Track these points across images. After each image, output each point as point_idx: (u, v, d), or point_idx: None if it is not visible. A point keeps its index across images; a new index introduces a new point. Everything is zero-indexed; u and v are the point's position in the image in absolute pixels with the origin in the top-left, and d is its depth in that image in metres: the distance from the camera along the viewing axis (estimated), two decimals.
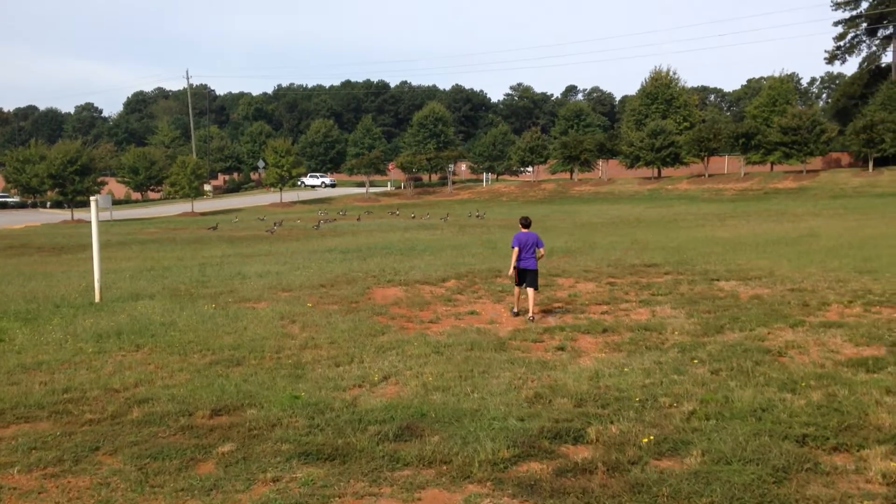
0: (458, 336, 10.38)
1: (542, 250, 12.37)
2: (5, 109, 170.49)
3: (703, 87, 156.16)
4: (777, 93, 78.83)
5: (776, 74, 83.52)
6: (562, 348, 9.37)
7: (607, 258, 20.45)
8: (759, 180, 60.68)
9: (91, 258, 15.06)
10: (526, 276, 12.14)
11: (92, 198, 14.88)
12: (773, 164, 67.56)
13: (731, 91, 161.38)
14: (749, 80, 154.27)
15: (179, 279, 18.34)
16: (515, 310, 12.38)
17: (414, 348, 9.59)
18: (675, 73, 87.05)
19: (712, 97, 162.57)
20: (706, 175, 66.81)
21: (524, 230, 12.42)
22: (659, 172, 70.98)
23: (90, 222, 15.42)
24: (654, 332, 10.18)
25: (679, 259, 19.54)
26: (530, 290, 12.09)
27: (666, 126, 68.95)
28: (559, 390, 7.24)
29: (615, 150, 72.70)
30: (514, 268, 12.17)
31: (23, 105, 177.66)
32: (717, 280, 15.49)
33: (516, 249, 12.16)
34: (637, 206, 53.09)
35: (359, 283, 16.58)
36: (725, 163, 77.18)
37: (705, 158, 67.26)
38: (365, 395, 7.46)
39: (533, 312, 11.92)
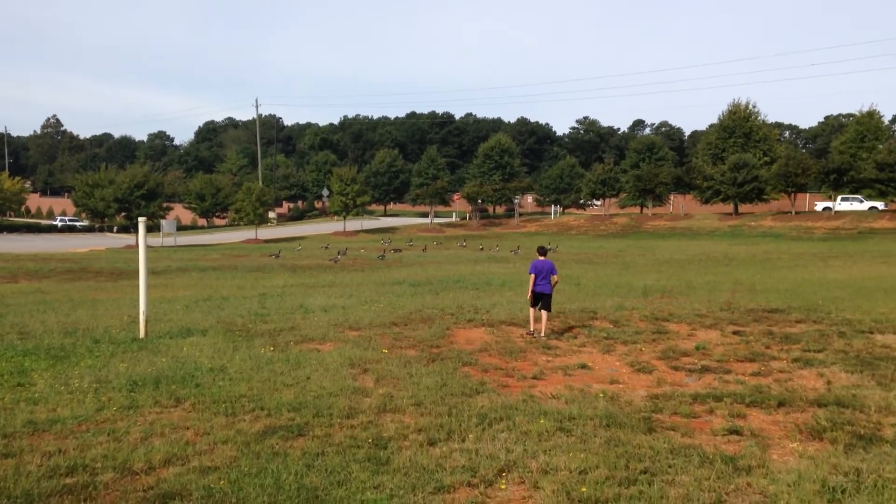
0: (581, 403, 8.00)
1: (555, 277, 13.30)
2: (81, 137, 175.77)
3: (777, 123, 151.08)
4: (865, 128, 74.46)
5: (859, 111, 79.00)
6: (735, 431, 6.89)
7: (716, 300, 17.86)
8: (852, 219, 56.59)
9: (145, 286, 13.17)
10: (540, 299, 13.05)
11: (140, 219, 13.04)
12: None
13: (806, 128, 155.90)
14: (827, 118, 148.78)
15: (237, 311, 16.48)
16: (532, 329, 13.07)
17: (528, 421, 7.26)
18: (754, 106, 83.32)
19: (787, 133, 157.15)
20: (793, 212, 62.91)
21: (541, 258, 13.33)
22: (736, 208, 67.41)
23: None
24: (853, 409, 7.62)
25: (803, 304, 16.81)
26: (543, 312, 13.03)
27: (749, 160, 65.39)
28: None
29: (692, 184, 69.36)
30: (533, 292, 13.03)
31: (98, 133, 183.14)
32: (870, 332, 12.77)
33: (533, 276, 13.11)
34: (719, 243, 49.83)
35: (436, 321, 14.45)
36: (807, 199, 73.06)
37: (792, 195, 63.43)
38: None
39: (545, 332, 12.86)
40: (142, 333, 12.81)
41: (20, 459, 6.27)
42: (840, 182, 60.24)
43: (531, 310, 13.26)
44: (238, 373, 9.70)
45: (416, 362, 10.51)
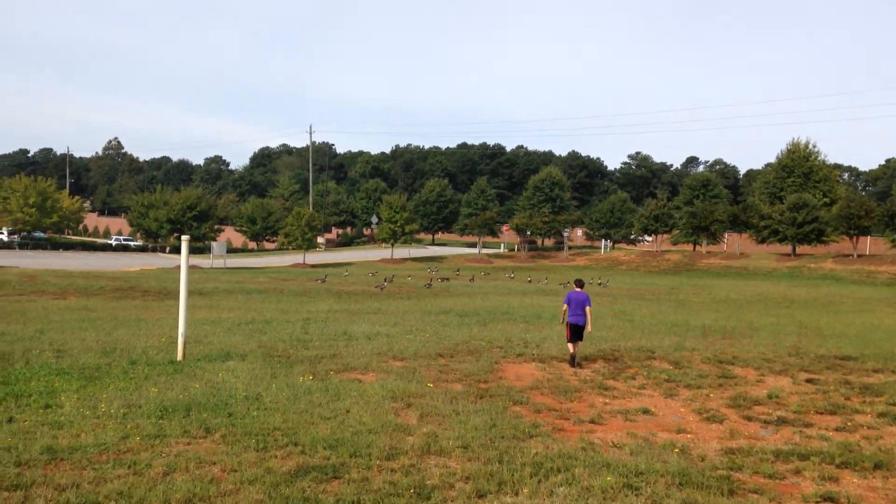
0: (649, 455, 7.18)
1: (589, 308, 13.31)
2: (141, 159, 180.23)
3: (836, 164, 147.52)
4: None
5: None
6: (830, 498, 6.01)
7: (781, 344, 16.80)
8: None
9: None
10: (576, 331, 13.24)
11: (184, 237, 12.68)
12: None
13: (867, 170, 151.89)
14: (888, 160, 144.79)
15: (279, 336, 16.01)
16: (572, 353, 13.17)
17: (589, 474, 6.47)
18: (814, 146, 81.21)
19: (846, 175, 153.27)
20: (854, 255, 60.59)
21: (577, 290, 13.60)
22: (794, 249, 65.21)
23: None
24: None
25: (877, 352, 15.64)
26: (577, 344, 13.34)
27: (809, 200, 63.38)
28: None
29: (748, 223, 67.47)
30: (567, 323, 13.25)
31: (157, 156, 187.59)
32: None
33: (566, 306, 13.36)
34: (778, 284, 48.04)
35: (484, 355, 13.75)
36: (868, 243, 70.50)
37: (854, 238, 61.15)
38: None
39: (576, 362, 13.13)
40: (179, 356, 12.37)
41: (28, 493, 5.74)
42: None
43: (569, 345, 13.32)
44: (274, 402, 9.12)
45: (463, 398, 9.81)
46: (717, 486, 6.15)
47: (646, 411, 9.49)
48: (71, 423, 7.99)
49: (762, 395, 10.72)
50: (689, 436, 8.29)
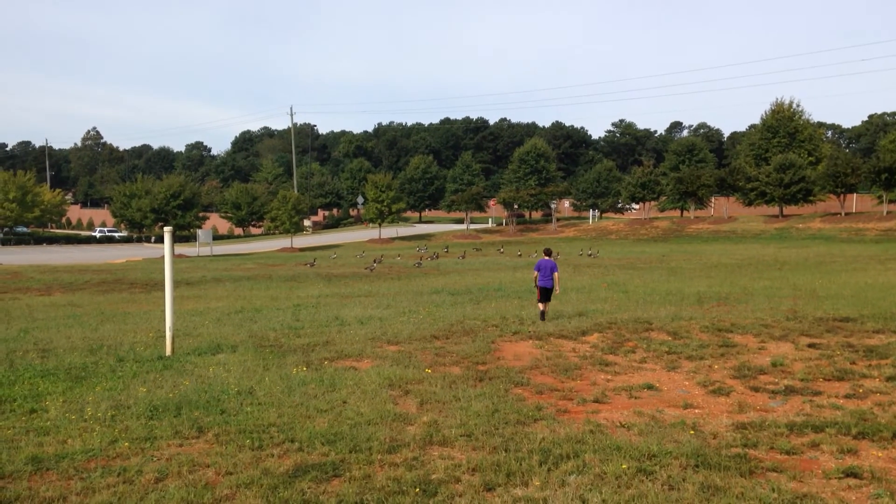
0: (659, 435, 6.93)
1: (556, 274, 15.37)
2: (121, 148, 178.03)
3: (819, 122, 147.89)
4: None
5: None
6: (853, 473, 5.76)
7: (778, 308, 16.65)
8: None
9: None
10: (544, 293, 15.48)
11: (166, 228, 12.29)
12: None
13: (849, 127, 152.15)
14: (871, 116, 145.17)
15: (269, 324, 15.71)
16: (542, 310, 15.45)
17: (600, 460, 6.21)
18: (797, 106, 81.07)
19: (829, 133, 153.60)
20: (842, 213, 60.70)
21: (546, 258, 15.78)
22: (781, 210, 65.27)
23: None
24: None
25: (875, 312, 15.50)
26: (546, 303, 15.56)
27: (795, 160, 63.33)
28: None
29: (735, 186, 67.42)
30: (538, 287, 15.46)
31: (138, 144, 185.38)
32: None
33: (536, 273, 15.57)
34: (767, 247, 48.08)
35: (479, 334, 13.50)
36: (854, 200, 70.70)
37: (841, 196, 61.22)
38: None
39: (546, 317, 15.30)
40: (168, 351, 12.04)
41: None
42: (892, 182, 57.96)
43: (540, 304, 15.52)
44: (267, 396, 8.82)
45: (462, 382, 9.54)
46: (735, 467, 5.89)
47: (650, 387, 9.25)
48: (57, 428, 7.67)
49: (766, 363, 10.51)
50: (697, 411, 8.05)
